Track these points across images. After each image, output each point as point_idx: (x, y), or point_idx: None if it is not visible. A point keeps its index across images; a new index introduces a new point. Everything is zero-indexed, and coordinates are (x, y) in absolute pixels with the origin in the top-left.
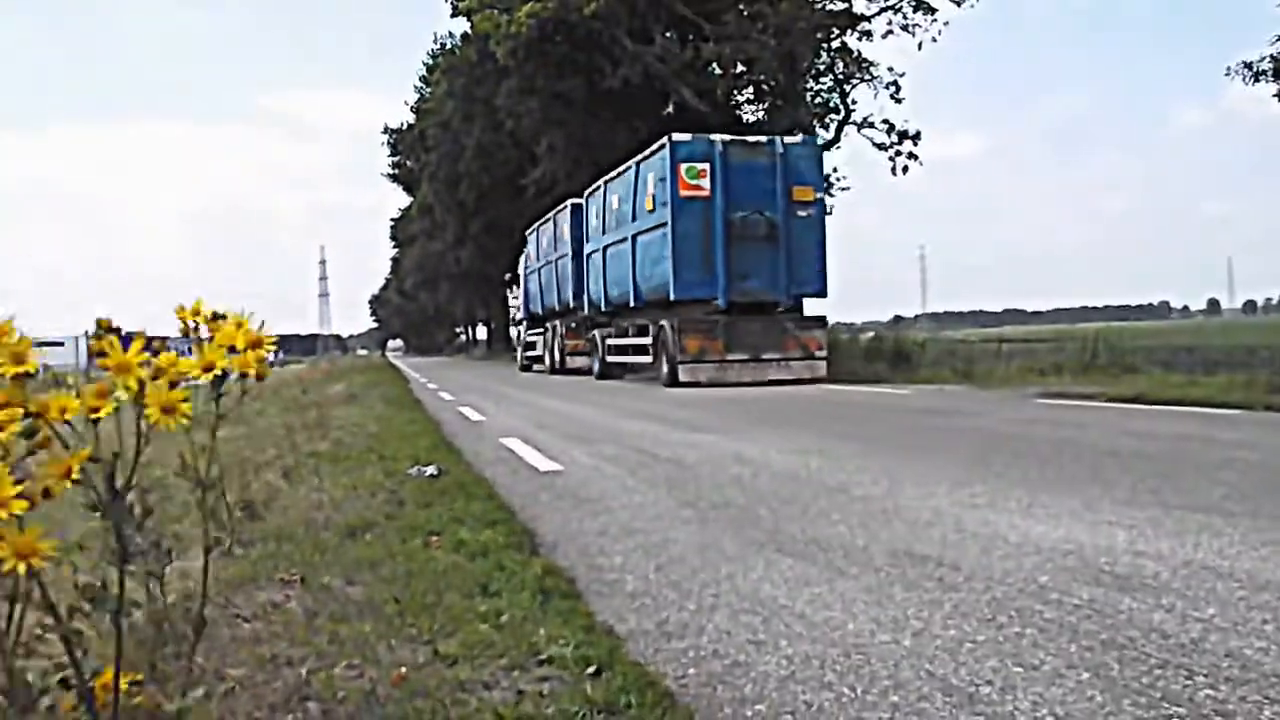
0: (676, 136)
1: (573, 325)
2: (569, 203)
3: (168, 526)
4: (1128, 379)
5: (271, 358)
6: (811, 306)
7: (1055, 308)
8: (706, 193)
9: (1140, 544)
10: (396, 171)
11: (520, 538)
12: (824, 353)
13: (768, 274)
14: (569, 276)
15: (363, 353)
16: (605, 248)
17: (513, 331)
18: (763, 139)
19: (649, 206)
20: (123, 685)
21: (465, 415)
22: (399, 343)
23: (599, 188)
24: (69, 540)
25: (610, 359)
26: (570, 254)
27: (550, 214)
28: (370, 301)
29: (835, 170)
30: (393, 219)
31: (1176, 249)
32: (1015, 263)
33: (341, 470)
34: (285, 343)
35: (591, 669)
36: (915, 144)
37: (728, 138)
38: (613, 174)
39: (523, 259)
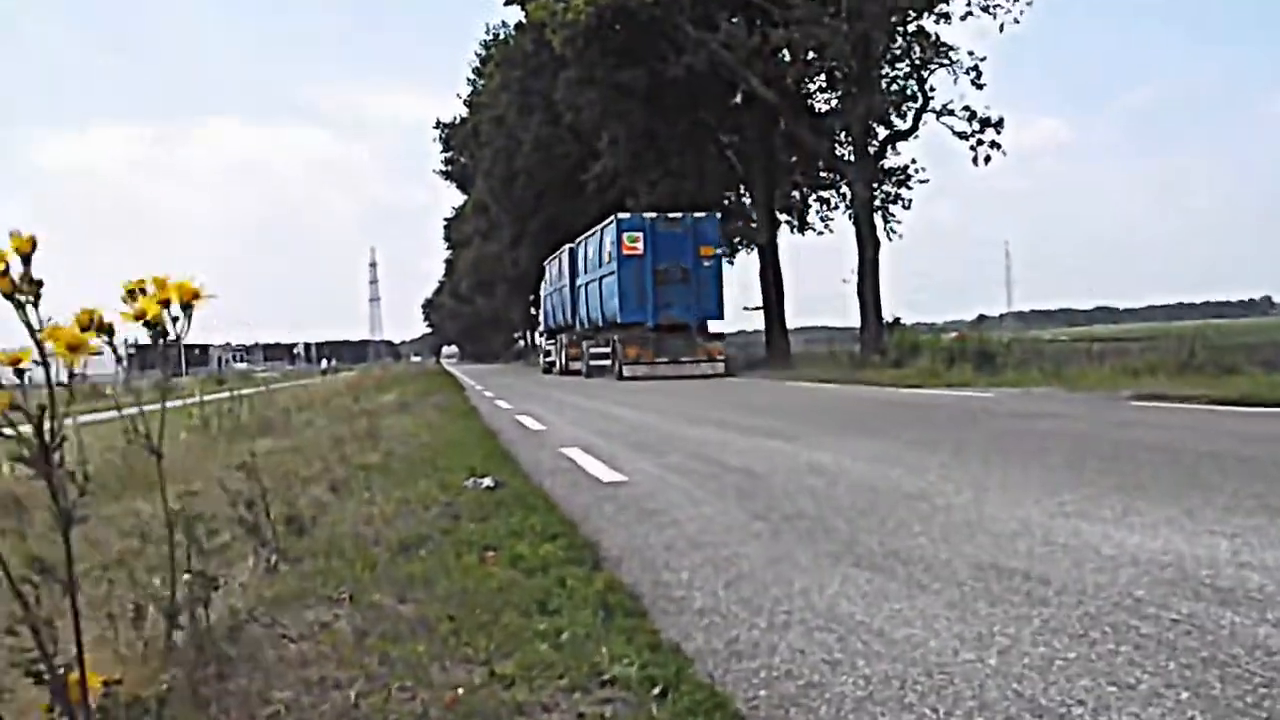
0: (620, 216)
1: (573, 339)
2: (566, 246)
3: (210, 540)
4: (1229, 379)
5: (323, 365)
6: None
7: (1148, 305)
8: (641, 251)
9: (1244, 554)
10: (449, 168)
11: (582, 552)
12: (722, 357)
13: (682, 305)
14: (568, 302)
15: (416, 359)
16: (586, 284)
17: (538, 340)
18: (679, 215)
19: (607, 259)
20: (95, 684)
21: (523, 424)
22: (454, 349)
23: (582, 240)
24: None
25: (592, 363)
26: (569, 285)
27: (556, 253)
28: (423, 306)
29: (913, 162)
30: (446, 219)
31: (1277, 241)
32: (1105, 257)
33: (393, 483)
34: (335, 349)
35: (657, 690)
36: (998, 132)
37: (655, 215)
38: (589, 232)
39: (543, 284)
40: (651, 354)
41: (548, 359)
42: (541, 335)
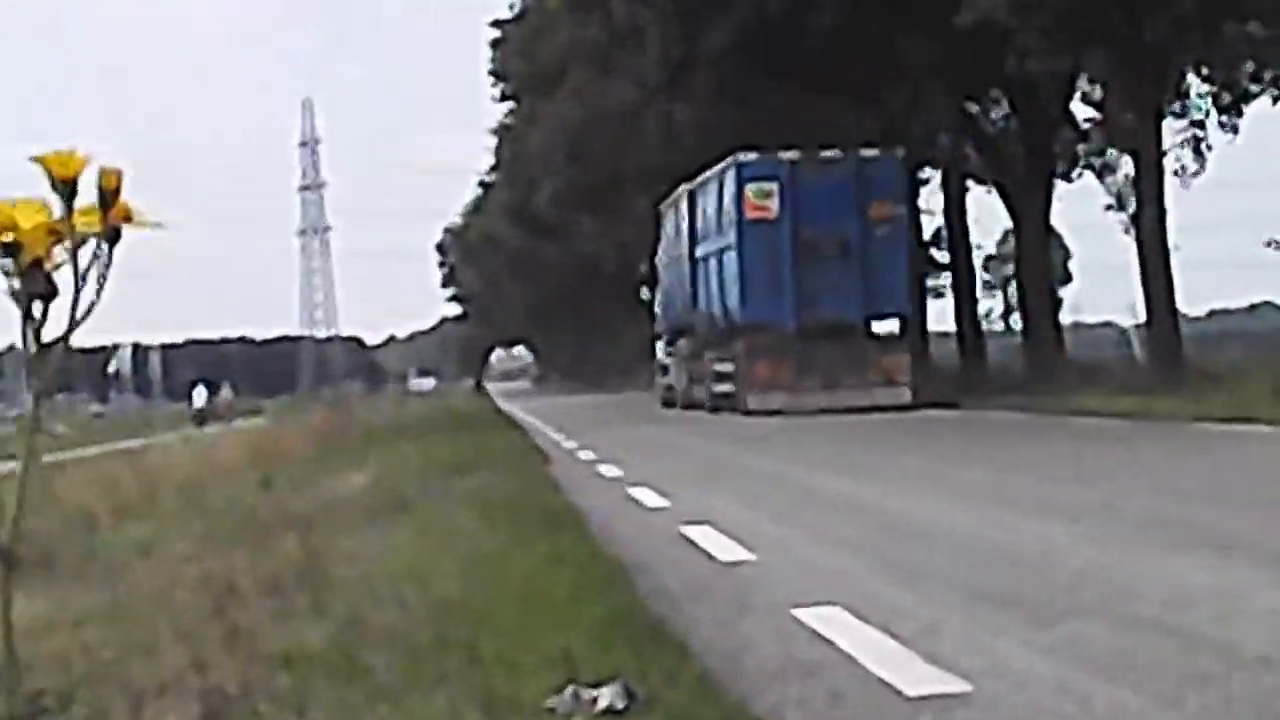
0: (743, 157)
1: (694, 348)
2: (684, 188)
3: None
4: None
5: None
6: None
7: None
8: (774, 214)
9: None
10: None
11: None
12: (906, 378)
13: (841, 295)
14: (686, 282)
15: (422, 384)
16: (706, 257)
17: (662, 353)
18: (836, 154)
19: (727, 223)
20: None
21: (697, 545)
22: (519, 355)
23: (700, 184)
24: None
25: (715, 387)
26: (686, 254)
27: (674, 195)
28: (439, 248)
29: None
30: (497, 25)
31: None
32: None
33: (366, 699)
34: (218, 362)
35: None
36: None
37: (796, 155)
38: (709, 173)
39: (661, 245)
40: (792, 374)
41: (665, 380)
42: (659, 338)
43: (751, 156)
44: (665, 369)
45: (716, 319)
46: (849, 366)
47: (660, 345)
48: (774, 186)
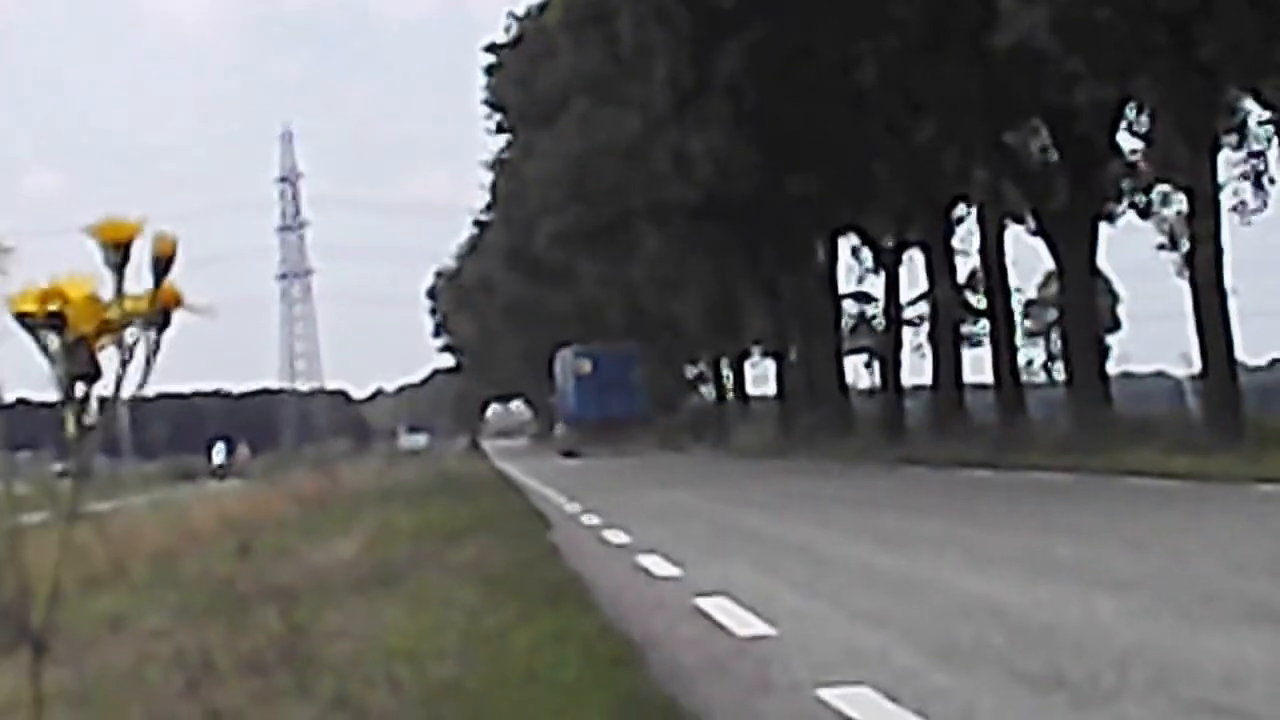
0: (576, 346)
1: (564, 428)
2: (558, 354)
3: None
4: None
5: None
6: None
7: None
8: (589, 370)
9: None
10: None
11: None
12: (646, 442)
13: (619, 405)
14: (559, 398)
15: (414, 442)
16: (564, 388)
17: (557, 429)
18: (619, 344)
19: (569, 373)
20: None
21: (712, 618)
22: (519, 410)
23: (560, 355)
24: None
25: (569, 446)
26: (559, 385)
27: (557, 354)
28: (430, 293)
29: None
30: (492, 49)
31: None
32: None
33: None
34: (189, 414)
35: None
36: None
37: (600, 347)
38: (563, 350)
39: (554, 377)
40: (596, 439)
41: (558, 443)
42: (559, 423)
43: (577, 346)
44: (557, 437)
45: (568, 415)
46: (621, 436)
47: (557, 426)
48: (589, 360)
